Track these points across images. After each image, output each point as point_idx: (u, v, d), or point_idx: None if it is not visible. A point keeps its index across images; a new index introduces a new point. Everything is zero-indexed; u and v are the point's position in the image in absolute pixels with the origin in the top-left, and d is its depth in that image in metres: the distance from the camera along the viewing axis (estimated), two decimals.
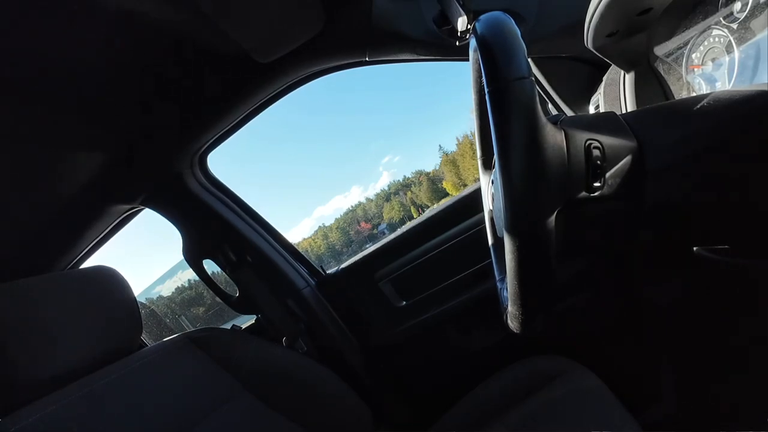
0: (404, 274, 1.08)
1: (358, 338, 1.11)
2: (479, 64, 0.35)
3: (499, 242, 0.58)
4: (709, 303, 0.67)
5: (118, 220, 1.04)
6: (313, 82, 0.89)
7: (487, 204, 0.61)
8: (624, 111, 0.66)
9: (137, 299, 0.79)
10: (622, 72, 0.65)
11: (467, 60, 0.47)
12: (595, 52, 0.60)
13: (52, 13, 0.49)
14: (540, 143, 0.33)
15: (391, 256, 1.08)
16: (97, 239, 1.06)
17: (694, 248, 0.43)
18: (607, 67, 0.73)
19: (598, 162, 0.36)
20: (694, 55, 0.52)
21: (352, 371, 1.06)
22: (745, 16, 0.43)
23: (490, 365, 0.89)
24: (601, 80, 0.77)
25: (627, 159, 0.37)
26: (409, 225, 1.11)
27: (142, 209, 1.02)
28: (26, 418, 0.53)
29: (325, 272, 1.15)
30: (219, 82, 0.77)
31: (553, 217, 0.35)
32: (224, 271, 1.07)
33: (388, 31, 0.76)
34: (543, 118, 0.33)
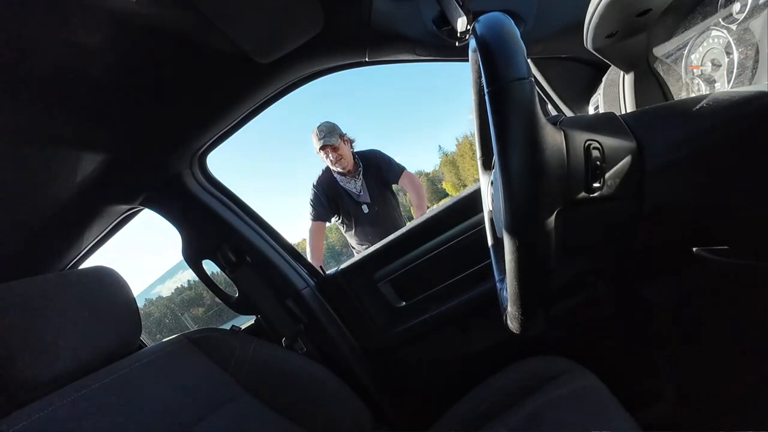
0: (404, 274, 1.08)
1: (358, 339, 1.11)
2: (479, 65, 0.35)
3: (498, 243, 0.58)
4: (709, 303, 0.67)
5: (117, 220, 1.04)
6: (313, 82, 0.89)
7: (487, 204, 0.61)
8: (623, 111, 0.67)
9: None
10: (622, 73, 0.65)
11: (467, 61, 0.47)
12: (594, 52, 0.60)
13: (52, 13, 0.49)
14: (539, 144, 0.33)
15: (391, 257, 1.08)
16: (97, 239, 1.06)
17: (694, 249, 0.43)
18: (606, 67, 0.73)
19: (598, 162, 0.36)
20: (693, 56, 0.52)
21: (351, 372, 1.06)
22: (744, 17, 0.44)
23: (490, 365, 0.89)
24: (601, 81, 0.77)
25: (626, 159, 0.38)
26: (408, 225, 1.10)
27: (142, 209, 1.02)
28: (26, 418, 0.53)
29: (324, 273, 1.15)
30: (219, 82, 0.77)
31: (553, 217, 0.35)
32: (224, 272, 1.07)
33: (388, 31, 0.76)
34: (542, 119, 0.33)
